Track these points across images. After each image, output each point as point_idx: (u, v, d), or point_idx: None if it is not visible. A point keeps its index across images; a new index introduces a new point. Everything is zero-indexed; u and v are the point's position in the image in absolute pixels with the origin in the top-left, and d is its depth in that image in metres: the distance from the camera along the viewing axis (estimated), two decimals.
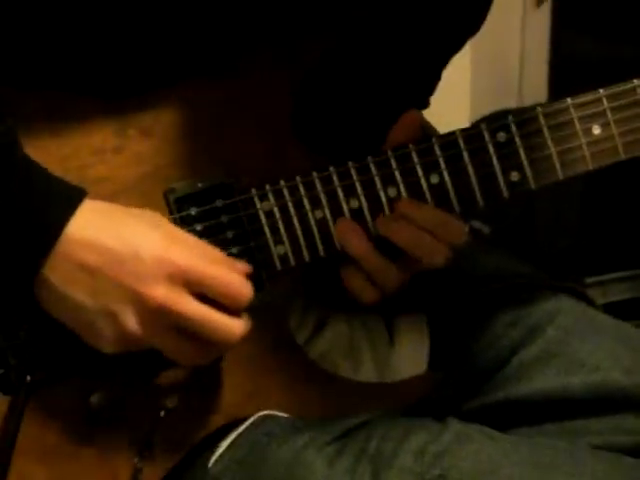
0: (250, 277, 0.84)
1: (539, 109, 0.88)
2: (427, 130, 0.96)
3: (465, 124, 0.92)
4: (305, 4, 0.88)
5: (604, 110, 0.87)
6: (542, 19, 1.56)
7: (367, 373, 0.94)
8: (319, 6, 0.88)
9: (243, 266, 0.84)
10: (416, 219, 0.87)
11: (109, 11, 0.85)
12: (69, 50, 0.86)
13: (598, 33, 1.56)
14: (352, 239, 0.87)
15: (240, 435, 0.87)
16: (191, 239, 0.84)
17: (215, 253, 0.84)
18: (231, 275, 0.83)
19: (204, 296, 0.82)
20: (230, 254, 0.87)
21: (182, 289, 0.81)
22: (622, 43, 1.53)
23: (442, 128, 0.93)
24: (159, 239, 0.82)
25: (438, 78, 1.00)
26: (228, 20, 0.87)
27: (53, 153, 0.85)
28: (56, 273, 0.81)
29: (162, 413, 0.86)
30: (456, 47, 0.98)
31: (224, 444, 0.87)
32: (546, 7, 1.55)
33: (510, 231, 1.20)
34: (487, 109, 1.46)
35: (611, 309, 1.03)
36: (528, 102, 1.61)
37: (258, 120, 0.89)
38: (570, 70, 1.57)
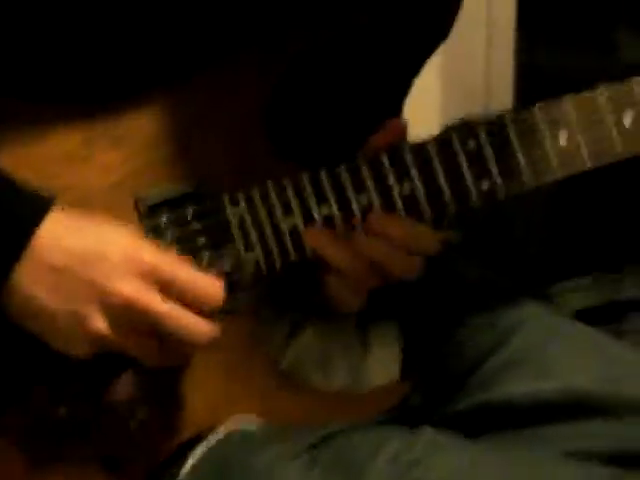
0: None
1: (508, 116, 0.88)
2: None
3: (434, 129, 0.92)
4: (276, 10, 0.88)
5: (570, 117, 0.87)
6: (507, 28, 1.58)
7: (339, 381, 0.94)
8: (291, 11, 0.88)
9: (213, 274, 0.84)
10: (388, 233, 0.87)
11: (79, 16, 0.84)
12: (41, 57, 0.85)
13: (562, 42, 1.58)
14: (327, 246, 0.87)
15: (212, 446, 0.86)
16: (158, 246, 0.84)
17: (184, 259, 0.84)
18: (202, 275, 0.83)
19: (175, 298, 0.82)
20: (201, 261, 0.87)
21: (150, 286, 0.81)
22: (585, 52, 1.56)
23: (413, 136, 0.93)
24: (128, 238, 0.82)
25: (410, 84, 1.01)
26: (197, 27, 0.87)
27: (22, 161, 0.85)
28: (25, 277, 0.80)
29: (133, 425, 0.86)
30: (426, 54, 0.99)
31: (195, 455, 0.86)
32: (511, 16, 1.57)
33: (479, 237, 1.20)
34: (456, 114, 1.47)
35: (579, 315, 1.04)
36: (495, 108, 1.63)
37: (229, 126, 0.88)
38: (535, 78, 1.59)
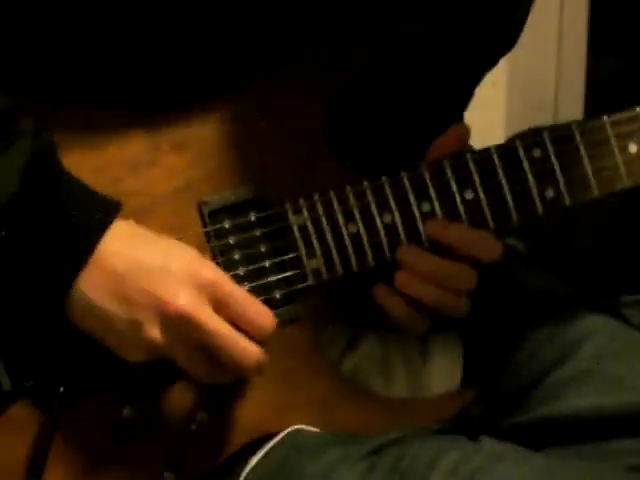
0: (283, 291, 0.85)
1: (575, 126, 0.87)
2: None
3: (500, 140, 0.91)
4: (341, 15, 0.88)
5: None
6: (579, 36, 1.56)
7: (400, 388, 0.93)
8: (356, 21, 0.88)
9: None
10: (449, 239, 0.86)
11: (145, 27, 0.86)
12: (105, 64, 0.86)
13: (634, 52, 1.56)
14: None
15: (271, 450, 0.86)
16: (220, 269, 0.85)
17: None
18: (259, 303, 0.84)
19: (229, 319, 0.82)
20: (263, 267, 0.87)
21: (207, 303, 0.82)
22: None
23: (477, 144, 0.93)
24: (192, 257, 0.83)
25: (471, 94, 1.00)
26: (263, 33, 0.88)
27: (87, 165, 0.86)
28: (88, 282, 0.82)
29: (193, 427, 0.86)
30: (489, 64, 0.98)
31: (255, 459, 0.86)
32: (582, 24, 1.55)
33: (546, 248, 1.19)
34: (522, 126, 1.45)
35: None
36: (563, 119, 1.61)
37: (292, 133, 0.89)
38: (606, 88, 1.56)
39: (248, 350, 0.82)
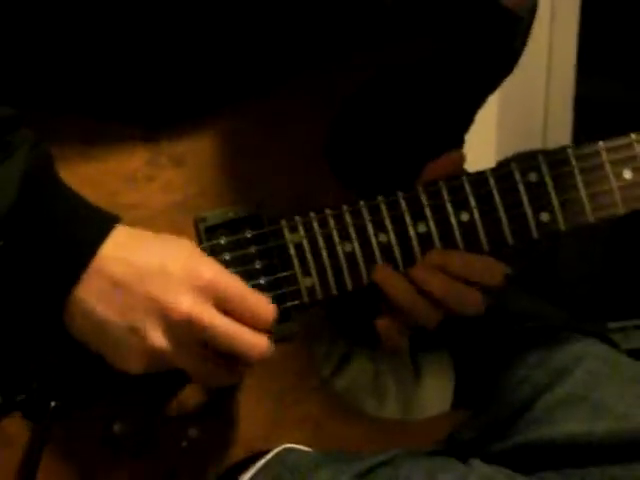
0: (277, 308, 0.85)
1: (570, 151, 0.88)
2: None
3: (491, 164, 0.92)
4: (340, 39, 0.88)
5: (635, 156, 0.87)
6: (567, 61, 1.57)
7: (392, 409, 0.93)
8: (356, 41, 0.88)
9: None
10: (451, 268, 0.87)
11: (146, 42, 0.86)
12: (104, 78, 0.87)
13: (622, 76, 1.57)
14: (392, 285, 0.87)
15: (262, 469, 0.86)
16: (217, 263, 0.85)
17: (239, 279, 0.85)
18: (257, 294, 0.84)
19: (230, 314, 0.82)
20: (258, 285, 0.87)
21: (208, 302, 0.82)
22: None
23: (468, 166, 0.93)
24: (187, 255, 0.83)
25: (471, 119, 1.01)
26: (263, 51, 0.88)
27: (85, 178, 0.86)
28: (86, 290, 0.81)
29: (184, 443, 0.86)
30: (488, 89, 0.99)
31: (246, 476, 0.86)
32: (572, 48, 1.56)
33: (532, 272, 1.19)
34: (512, 149, 1.46)
35: (633, 355, 1.02)
36: (552, 144, 1.62)
37: (290, 151, 0.89)
38: (594, 112, 1.58)
39: (253, 341, 0.82)
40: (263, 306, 0.83)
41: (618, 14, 1.55)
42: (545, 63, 1.57)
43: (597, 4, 1.52)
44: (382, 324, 0.88)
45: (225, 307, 0.82)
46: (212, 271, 0.83)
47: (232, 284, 0.83)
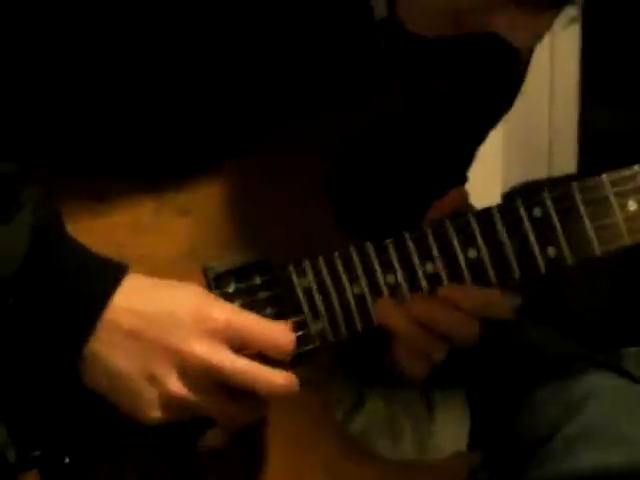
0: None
1: (574, 185, 0.88)
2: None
3: (497, 194, 0.93)
4: (337, 85, 0.89)
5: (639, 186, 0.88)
6: (570, 92, 1.58)
7: (406, 449, 0.94)
8: (353, 86, 0.89)
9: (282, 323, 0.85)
10: (460, 304, 0.87)
11: (148, 99, 0.87)
12: (111, 134, 0.88)
13: (628, 105, 1.58)
14: (392, 319, 0.88)
15: None
16: (227, 303, 0.86)
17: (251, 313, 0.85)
18: (271, 324, 0.84)
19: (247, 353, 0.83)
20: None
21: (223, 344, 0.82)
22: None
23: (475, 197, 0.94)
24: (195, 299, 0.84)
25: (473, 155, 1.01)
26: (264, 102, 0.89)
27: (93, 232, 0.87)
28: (100, 341, 0.82)
29: None
30: (488, 126, 0.99)
31: None
32: (574, 79, 1.58)
33: (541, 303, 1.20)
34: (518, 179, 1.47)
35: None
36: (557, 171, 1.63)
37: (294, 196, 0.89)
38: (598, 142, 1.58)
39: (274, 378, 0.82)
40: (280, 336, 0.83)
41: (619, 43, 1.56)
42: (548, 92, 1.58)
43: (597, 33, 1.53)
44: (397, 350, 0.88)
45: (242, 345, 0.82)
46: (223, 312, 0.83)
47: (246, 321, 0.84)
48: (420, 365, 0.88)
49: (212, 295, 0.85)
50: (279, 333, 0.83)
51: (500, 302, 0.87)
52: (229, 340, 0.82)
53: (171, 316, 0.82)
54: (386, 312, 0.87)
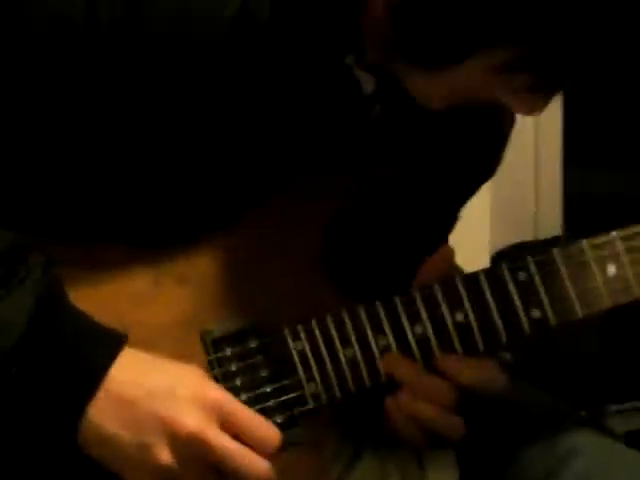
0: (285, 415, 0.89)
1: (556, 251, 0.92)
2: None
3: (486, 256, 0.96)
4: (332, 157, 0.93)
5: (618, 252, 0.91)
6: (554, 155, 1.62)
7: None
8: (347, 159, 0.93)
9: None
10: (459, 377, 0.91)
11: (142, 173, 0.90)
12: (107, 207, 0.91)
13: (610, 167, 1.62)
14: (401, 369, 0.91)
15: None
16: (224, 390, 0.89)
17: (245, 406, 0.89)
18: (262, 419, 0.88)
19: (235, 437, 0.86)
20: (264, 392, 0.91)
21: (214, 422, 0.85)
22: (632, 178, 1.59)
23: (464, 258, 0.98)
24: (194, 377, 0.87)
25: (456, 217, 1.05)
26: (259, 174, 0.92)
27: (93, 300, 0.89)
28: (98, 410, 0.85)
29: None
30: (471, 192, 1.04)
31: None
32: (558, 143, 1.62)
33: (530, 357, 1.23)
34: (506, 241, 1.51)
35: (631, 437, 1.05)
36: (544, 234, 1.67)
37: (287, 262, 0.93)
38: (583, 203, 1.62)
39: (255, 465, 0.85)
40: (268, 431, 0.87)
41: (600, 107, 1.61)
42: (532, 156, 1.62)
43: (580, 99, 1.58)
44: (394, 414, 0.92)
45: (231, 429, 0.86)
46: (219, 393, 0.87)
47: (239, 408, 0.87)
48: (419, 436, 0.92)
49: (210, 378, 0.89)
50: (268, 428, 0.87)
51: (495, 375, 0.91)
52: (221, 421, 0.85)
53: (169, 390, 0.86)
54: (395, 366, 0.92)
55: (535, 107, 0.87)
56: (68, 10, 0.86)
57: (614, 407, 1.49)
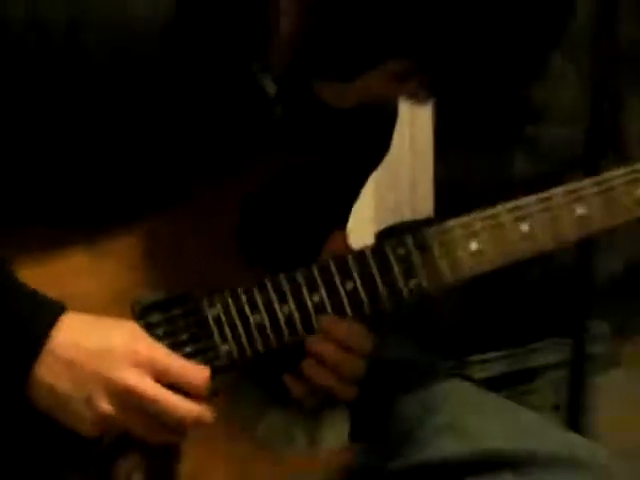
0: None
1: (430, 229, 1.07)
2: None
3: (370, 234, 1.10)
4: (243, 150, 1.05)
5: (476, 230, 1.07)
6: (427, 152, 1.79)
7: (301, 446, 1.10)
8: (255, 151, 1.06)
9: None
10: (334, 333, 1.05)
11: (80, 158, 1.00)
12: (49, 192, 1.01)
13: (476, 151, 1.77)
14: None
15: None
16: (154, 341, 1.01)
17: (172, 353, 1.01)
18: (190, 364, 1.00)
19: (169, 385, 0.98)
20: (186, 352, 1.03)
21: (148, 375, 0.97)
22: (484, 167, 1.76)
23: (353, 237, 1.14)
24: (128, 336, 0.99)
25: (355, 199, 1.19)
26: (180, 165, 1.04)
27: (34, 275, 1.00)
28: (44, 370, 0.96)
29: None
30: (366, 175, 1.17)
31: None
32: (429, 140, 1.78)
33: (407, 320, 1.38)
34: (387, 220, 1.68)
35: (489, 382, 1.23)
36: (418, 215, 1.84)
37: (207, 240, 1.05)
38: (451, 188, 1.78)
39: (188, 408, 0.97)
40: (197, 375, 0.98)
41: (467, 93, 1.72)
42: (409, 157, 1.79)
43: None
44: (292, 383, 1.06)
45: (163, 378, 0.97)
46: (150, 348, 0.98)
47: (167, 358, 0.98)
48: (309, 398, 1.06)
49: (143, 334, 1.00)
50: (197, 371, 0.99)
51: (363, 335, 1.06)
52: (153, 372, 0.97)
53: (105, 349, 0.97)
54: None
55: (422, 99, 1.00)
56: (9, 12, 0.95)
57: (476, 357, 1.70)
